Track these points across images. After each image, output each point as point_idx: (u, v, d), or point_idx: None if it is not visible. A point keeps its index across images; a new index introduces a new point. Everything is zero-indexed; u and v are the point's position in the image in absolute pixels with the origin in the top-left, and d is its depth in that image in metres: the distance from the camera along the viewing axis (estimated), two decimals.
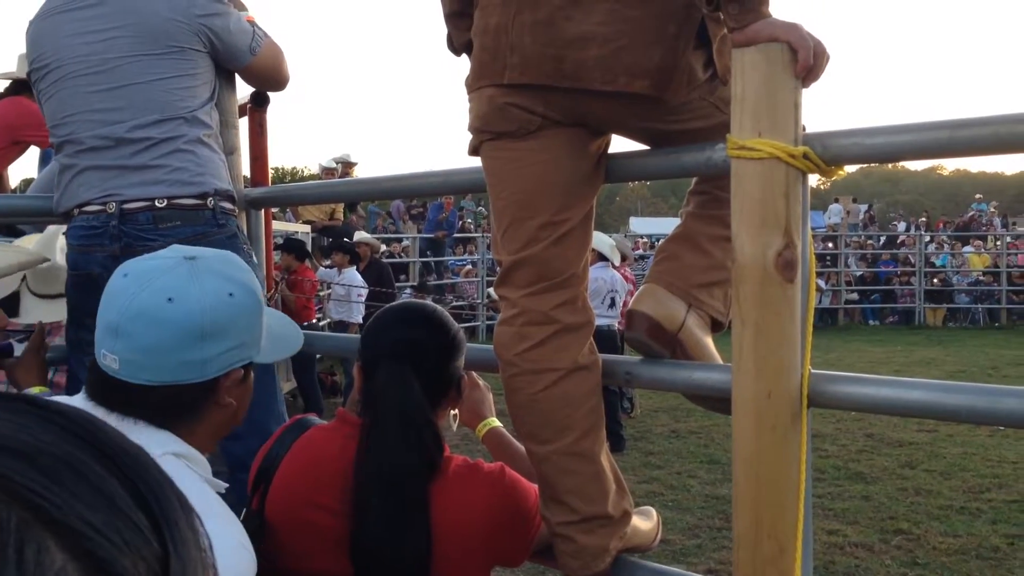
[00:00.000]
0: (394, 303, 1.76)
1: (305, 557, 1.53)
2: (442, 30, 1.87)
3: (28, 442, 0.38)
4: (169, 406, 1.24)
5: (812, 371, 1.41)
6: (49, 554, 0.34)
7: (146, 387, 1.22)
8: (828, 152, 1.38)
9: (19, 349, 2.31)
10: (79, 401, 1.26)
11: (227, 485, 1.30)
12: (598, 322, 1.74)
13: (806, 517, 1.38)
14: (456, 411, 1.73)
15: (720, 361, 1.72)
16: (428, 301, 1.79)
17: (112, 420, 1.20)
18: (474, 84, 1.65)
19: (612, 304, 7.11)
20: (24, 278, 2.78)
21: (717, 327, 1.77)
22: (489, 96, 1.60)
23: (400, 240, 15.14)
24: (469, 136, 1.69)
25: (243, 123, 2.64)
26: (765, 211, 1.34)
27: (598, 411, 1.65)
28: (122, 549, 0.37)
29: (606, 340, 6.24)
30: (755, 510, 1.37)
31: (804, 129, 1.39)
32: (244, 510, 1.60)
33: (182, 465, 1.20)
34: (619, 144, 1.74)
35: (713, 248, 1.73)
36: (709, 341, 1.75)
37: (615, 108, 1.57)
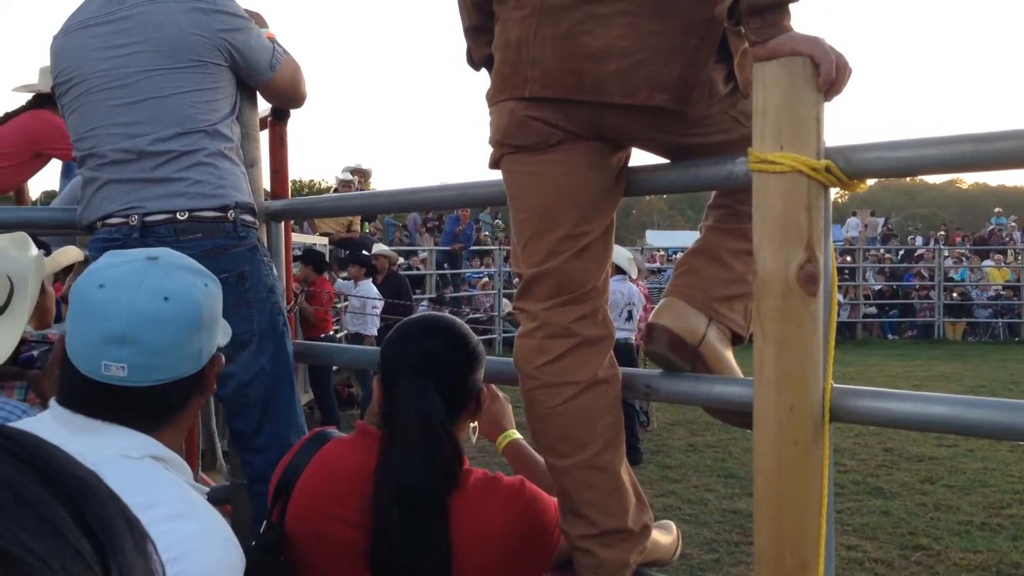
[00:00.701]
0: (414, 316, 1.76)
1: (325, 569, 1.54)
2: (461, 44, 1.88)
3: None
4: (167, 401, 1.25)
5: (834, 385, 1.40)
6: None
7: (150, 388, 1.22)
8: (851, 166, 1.38)
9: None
10: (46, 417, 1.26)
11: (208, 489, 1.33)
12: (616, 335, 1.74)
13: (828, 533, 1.37)
14: (476, 423, 1.73)
15: (741, 375, 1.71)
16: (447, 314, 1.79)
17: (92, 426, 1.20)
18: (495, 97, 1.65)
19: (629, 317, 7.08)
20: None
21: (737, 341, 1.76)
22: (510, 110, 1.61)
23: (417, 252, 15.17)
24: (489, 149, 1.70)
25: (263, 136, 2.66)
26: (787, 225, 1.33)
27: (617, 425, 1.65)
28: None
29: (623, 354, 6.22)
30: (776, 525, 1.36)
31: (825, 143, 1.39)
32: (264, 522, 1.60)
33: (161, 468, 1.21)
34: (639, 157, 1.73)
35: (734, 261, 1.72)
36: (730, 355, 1.74)
37: (635, 121, 1.57)
